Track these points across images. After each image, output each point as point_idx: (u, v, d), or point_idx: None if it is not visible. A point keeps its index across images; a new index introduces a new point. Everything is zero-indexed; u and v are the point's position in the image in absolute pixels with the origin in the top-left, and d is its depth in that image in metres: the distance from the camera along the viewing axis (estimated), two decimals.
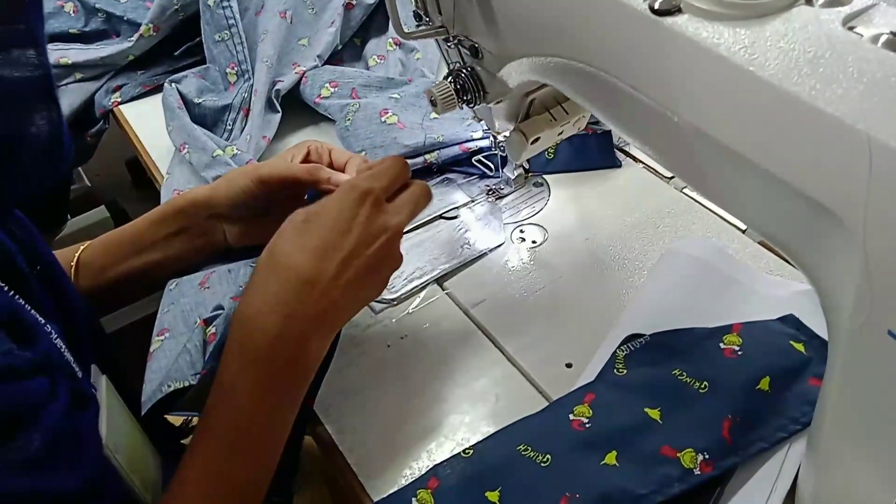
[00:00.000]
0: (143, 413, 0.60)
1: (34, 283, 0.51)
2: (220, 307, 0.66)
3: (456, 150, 0.83)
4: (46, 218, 1.77)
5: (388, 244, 0.56)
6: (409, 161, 0.82)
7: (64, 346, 0.49)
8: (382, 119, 0.86)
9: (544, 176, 0.83)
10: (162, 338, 0.67)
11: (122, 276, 0.69)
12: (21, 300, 0.47)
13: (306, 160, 0.69)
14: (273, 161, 0.69)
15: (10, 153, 0.43)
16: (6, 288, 0.47)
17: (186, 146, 0.88)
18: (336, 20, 1.00)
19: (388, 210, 0.57)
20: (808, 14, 0.38)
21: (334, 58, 1.03)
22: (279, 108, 0.94)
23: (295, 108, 0.96)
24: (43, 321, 0.48)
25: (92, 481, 0.45)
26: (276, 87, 0.94)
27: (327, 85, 0.94)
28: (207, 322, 0.65)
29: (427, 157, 0.83)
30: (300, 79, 0.96)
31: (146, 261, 0.69)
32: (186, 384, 0.60)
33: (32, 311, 0.48)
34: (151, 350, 0.66)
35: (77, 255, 0.68)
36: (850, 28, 0.37)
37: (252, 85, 0.94)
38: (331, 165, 0.69)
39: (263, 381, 0.51)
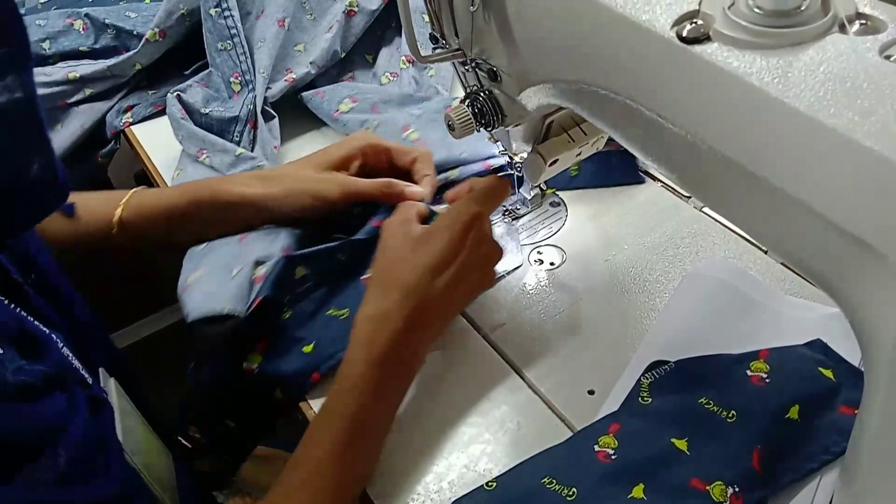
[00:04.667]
0: (189, 321, 0.65)
1: (31, 293, 0.51)
2: (269, 256, 0.69)
3: (479, 166, 0.82)
4: None
5: (489, 269, 0.65)
6: None
7: (71, 354, 0.49)
8: (404, 136, 0.85)
9: (561, 195, 0.82)
10: (198, 274, 0.71)
11: (160, 243, 0.76)
12: (23, 312, 0.47)
13: (363, 167, 0.71)
14: (338, 178, 0.71)
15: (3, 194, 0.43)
16: (6, 301, 0.46)
17: (205, 152, 0.88)
18: (335, 26, 0.98)
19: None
20: (842, 43, 0.37)
21: (345, 74, 1.02)
22: (274, 113, 0.93)
23: (297, 113, 0.96)
24: (48, 331, 0.48)
25: (122, 486, 0.46)
26: (265, 94, 0.93)
27: (346, 100, 0.93)
28: (257, 263, 0.69)
29: (449, 174, 0.82)
30: (290, 85, 0.95)
31: (182, 233, 0.75)
32: (234, 312, 0.64)
33: (36, 322, 0.48)
34: (188, 282, 0.70)
35: (121, 209, 0.73)
36: (887, 57, 0.36)
37: (255, 96, 0.93)
38: (392, 166, 0.71)
39: (385, 380, 0.57)
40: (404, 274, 0.59)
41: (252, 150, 0.91)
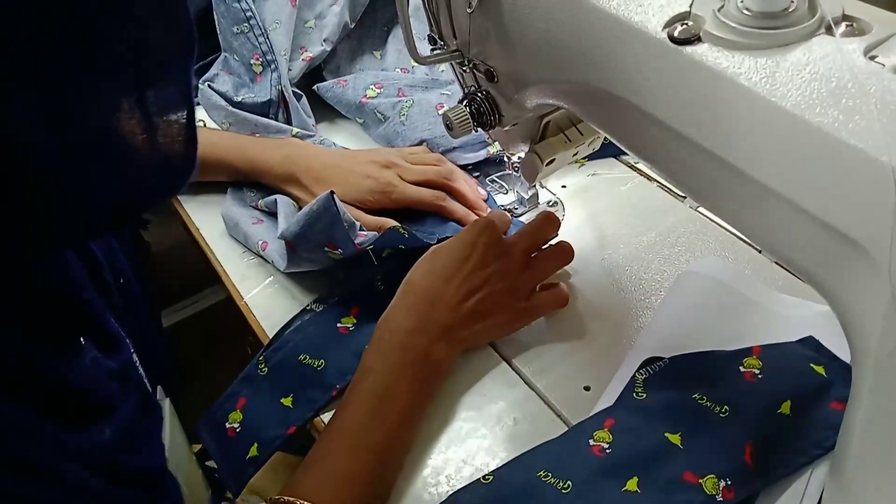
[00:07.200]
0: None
1: (116, 296, 0.53)
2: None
3: None
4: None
5: (511, 274, 0.65)
6: (472, 154, 0.84)
7: (137, 361, 0.53)
8: (439, 112, 0.85)
9: (558, 195, 0.83)
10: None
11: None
12: (107, 312, 0.50)
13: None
14: (383, 184, 0.76)
15: (161, 166, 0.41)
16: (98, 297, 0.48)
17: (258, 135, 0.88)
18: None
19: (515, 252, 0.66)
20: (829, 44, 0.38)
21: (355, 70, 1.02)
22: (300, 92, 0.94)
23: (311, 102, 0.96)
24: (123, 334, 0.51)
25: (154, 478, 0.48)
26: (288, 78, 0.93)
27: (372, 86, 0.92)
28: None
29: (490, 148, 0.84)
30: (308, 64, 0.95)
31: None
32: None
33: (115, 321, 0.50)
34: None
35: None
36: (872, 58, 0.37)
37: (280, 77, 0.93)
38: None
39: (396, 366, 0.59)
40: (417, 280, 0.64)
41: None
